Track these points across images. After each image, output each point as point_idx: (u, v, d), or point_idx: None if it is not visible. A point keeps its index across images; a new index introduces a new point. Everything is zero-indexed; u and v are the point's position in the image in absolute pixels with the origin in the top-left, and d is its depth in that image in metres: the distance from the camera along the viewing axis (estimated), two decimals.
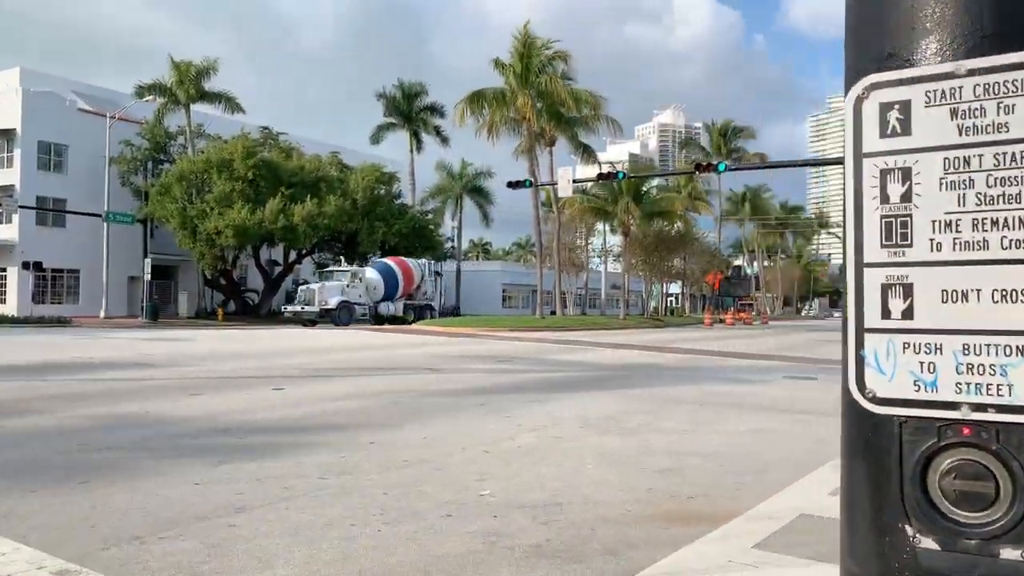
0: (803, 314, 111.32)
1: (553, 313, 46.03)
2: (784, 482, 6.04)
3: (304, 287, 39.14)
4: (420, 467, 6.39)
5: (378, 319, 40.52)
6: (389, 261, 42.66)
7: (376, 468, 6.31)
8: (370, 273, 41.19)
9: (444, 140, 59.48)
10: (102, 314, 40.30)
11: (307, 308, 37.39)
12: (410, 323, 40.44)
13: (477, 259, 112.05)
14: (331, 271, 40.83)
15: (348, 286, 38.94)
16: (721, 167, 25.23)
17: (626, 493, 5.62)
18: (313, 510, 5.04)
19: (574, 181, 27.74)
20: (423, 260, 45.56)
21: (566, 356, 19.38)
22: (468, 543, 4.45)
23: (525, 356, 19.07)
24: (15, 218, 40.68)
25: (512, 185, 29.43)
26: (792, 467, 6.60)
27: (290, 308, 38.94)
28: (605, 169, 52.57)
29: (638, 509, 5.20)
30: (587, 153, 43.82)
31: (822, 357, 21.98)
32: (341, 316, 37.46)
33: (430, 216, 53.11)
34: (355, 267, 41.31)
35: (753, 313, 67.07)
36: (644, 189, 46.41)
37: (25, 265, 38.73)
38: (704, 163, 25.75)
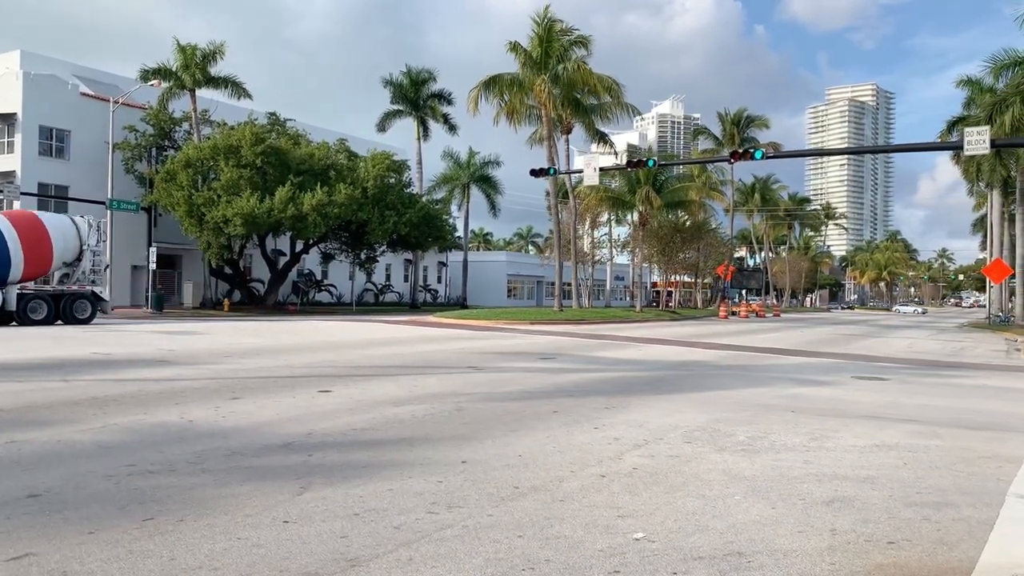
0: (807, 306, 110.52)
1: (561, 307, 44.76)
2: (982, 520, 5.07)
3: None
4: (537, 497, 5.39)
5: None
6: None
7: (488, 498, 5.31)
8: None
9: (452, 128, 58.31)
10: None
11: None
12: (38, 323, 25.59)
13: (478, 249, 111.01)
14: None
15: None
16: (758, 154, 24.17)
17: (809, 537, 4.63)
18: (445, 563, 4.05)
19: (601, 169, 26.69)
20: (86, 216, 29.16)
21: (607, 353, 18.39)
22: None
23: (565, 353, 18.07)
24: (16, 205, 39.41)
25: (535, 173, 28.34)
26: (972, 498, 5.63)
27: None
28: (613, 158, 51.52)
29: (842, 561, 4.22)
30: (603, 141, 42.74)
31: (867, 353, 21.07)
32: None
33: (440, 206, 51.93)
34: None
35: (766, 306, 66.16)
36: (662, 179, 45.33)
37: None
38: (740, 150, 24.68)
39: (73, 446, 6.71)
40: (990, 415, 9.96)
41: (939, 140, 49.48)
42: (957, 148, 22.78)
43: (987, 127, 21.42)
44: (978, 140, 20.90)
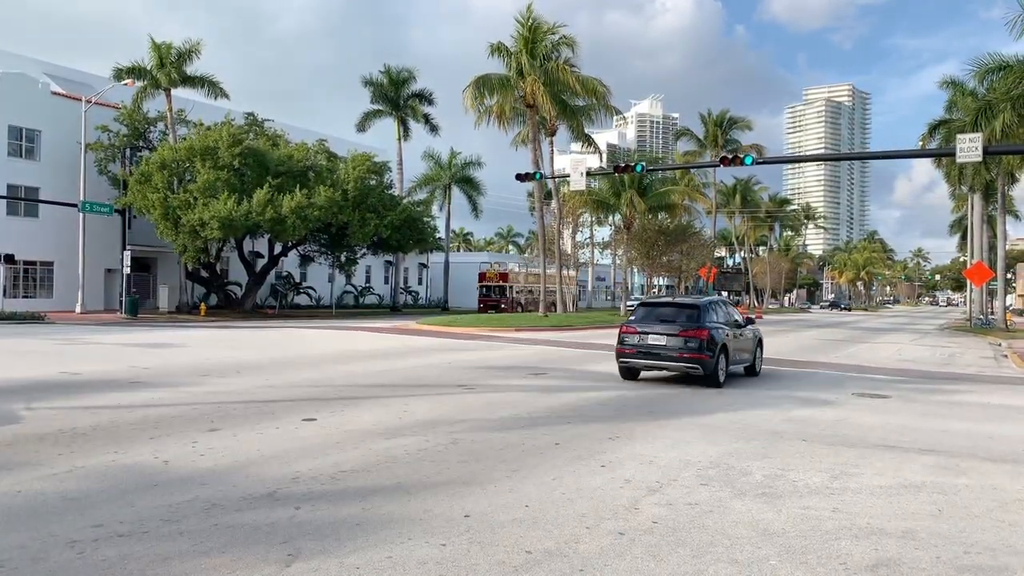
0: (786, 306, 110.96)
1: (546, 312, 44.21)
2: None
3: None
4: (554, 566, 4.86)
5: None
6: None
7: (499, 568, 4.77)
8: None
9: (433, 129, 57.66)
10: (78, 309, 38.12)
11: None
12: None
13: (459, 249, 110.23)
14: None
15: None
16: (748, 160, 23.76)
17: None
18: None
19: (588, 173, 26.17)
20: None
21: (598, 366, 17.89)
22: None
23: (555, 367, 17.56)
24: None
25: (521, 178, 27.79)
26: None
27: None
28: (596, 158, 51.04)
29: None
30: (587, 142, 42.29)
31: (858, 363, 20.73)
32: None
33: (422, 207, 51.20)
34: None
35: (749, 307, 66.11)
36: (647, 182, 44.97)
37: None
38: (729, 156, 24.29)
39: (35, 499, 6.07)
40: (1005, 442, 9.58)
41: (920, 141, 49.63)
42: (947, 155, 22.50)
43: (979, 134, 21.16)
44: (970, 147, 20.64)
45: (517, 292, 56.52)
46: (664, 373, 15.62)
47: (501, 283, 55.26)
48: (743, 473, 7.44)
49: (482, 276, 56.96)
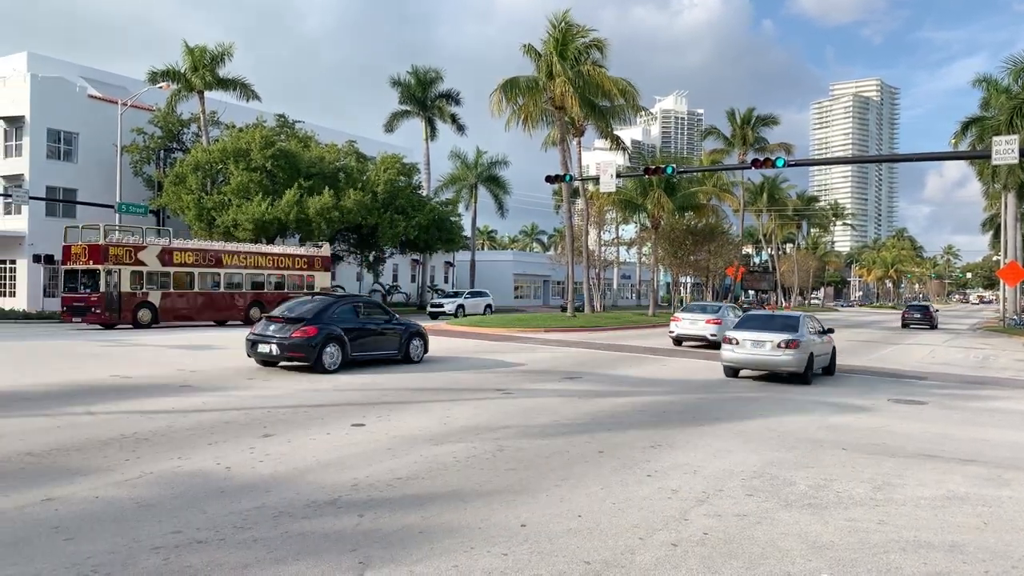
0: (811, 304, 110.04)
1: (566, 309, 44.22)
2: None
3: None
4: None
5: None
6: None
7: None
8: None
9: (460, 128, 58.02)
10: None
11: None
12: None
13: (483, 247, 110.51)
14: None
15: None
16: (780, 162, 23.78)
17: None
18: None
19: (618, 175, 26.31)
20: None
21: (632, 370, 18.06)
22: None
23: (588, 371, 17.74)
24: (24, 209, 39.20)
25: (551, 180, 28.00)
26: None
27: None
28: (623, 156, 50.94)
29: None
30: (615, 142, 42.29)
31: (892, 367, 20.71)
32: None
33: (450, 208, 51.55)
34: None
35: (778, 306, 65.67)
36: (674, 181, 44.92)
37: (36, 258, 37.30)
38: (760, 158, 24.31)
39: (112, 504, 6.40)
40: None
41: (952, 139, 49.02)
42: (982, 157, 22.35)
43: (1015, 136, 21.02)
44: (1007, 150, 20.52)
45: (118, 283, 29.45)
46: (698, 375, 15.73)
47: (93, 266, 29.16)
48: (787, 483, 7.61)
49: (67, 252, 30.62)
